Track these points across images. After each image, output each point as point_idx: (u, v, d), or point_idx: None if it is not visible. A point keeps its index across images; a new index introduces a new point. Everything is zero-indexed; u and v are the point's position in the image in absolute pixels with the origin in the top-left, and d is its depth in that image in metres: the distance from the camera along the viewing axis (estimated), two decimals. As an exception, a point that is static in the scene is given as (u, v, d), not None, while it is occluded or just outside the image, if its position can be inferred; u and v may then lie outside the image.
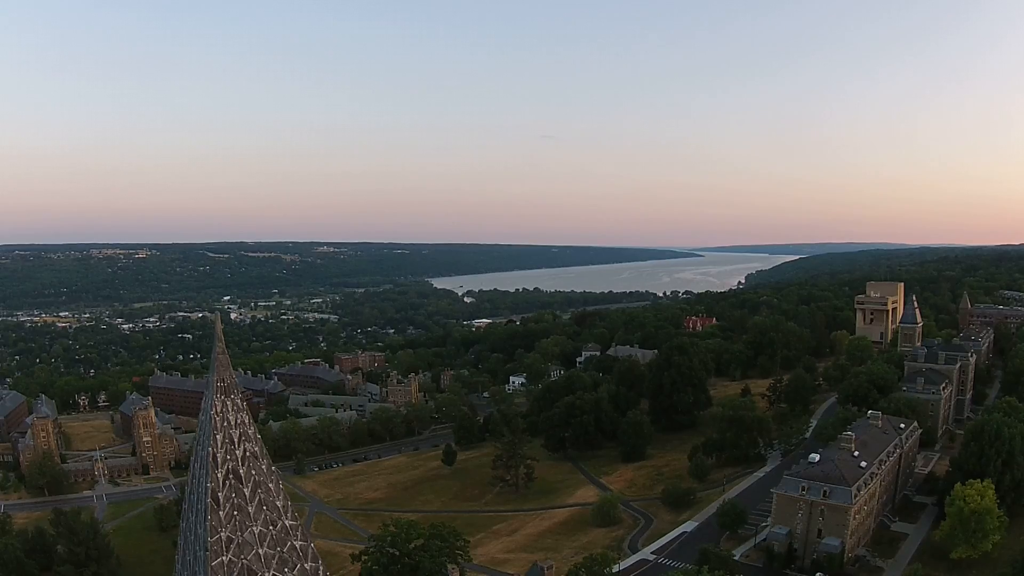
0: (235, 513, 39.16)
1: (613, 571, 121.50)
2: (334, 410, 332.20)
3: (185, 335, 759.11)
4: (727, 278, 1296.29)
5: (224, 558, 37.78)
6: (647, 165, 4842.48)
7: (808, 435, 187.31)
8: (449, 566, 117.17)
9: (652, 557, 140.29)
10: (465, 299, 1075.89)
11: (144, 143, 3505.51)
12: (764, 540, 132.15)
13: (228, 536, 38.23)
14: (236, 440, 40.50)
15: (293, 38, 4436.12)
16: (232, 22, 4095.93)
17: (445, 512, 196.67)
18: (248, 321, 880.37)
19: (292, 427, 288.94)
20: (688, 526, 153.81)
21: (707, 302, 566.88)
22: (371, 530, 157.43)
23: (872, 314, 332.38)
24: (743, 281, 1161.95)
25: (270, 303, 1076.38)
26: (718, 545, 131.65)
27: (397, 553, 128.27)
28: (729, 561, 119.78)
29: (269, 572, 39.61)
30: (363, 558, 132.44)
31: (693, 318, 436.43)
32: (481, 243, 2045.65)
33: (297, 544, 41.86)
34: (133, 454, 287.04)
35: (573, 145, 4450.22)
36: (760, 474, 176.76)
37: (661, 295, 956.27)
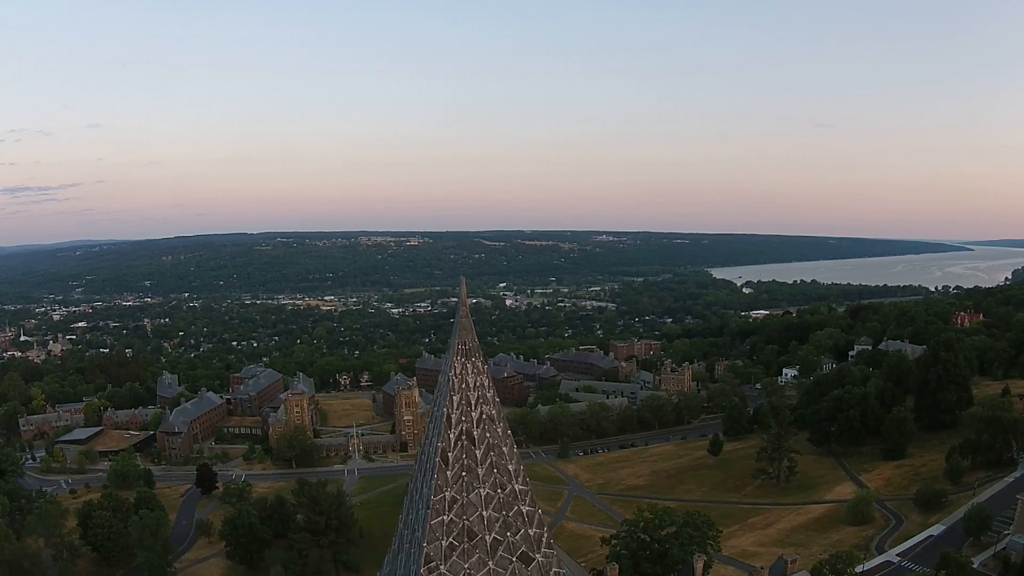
0: (463, 474, 40.59)
1: (857, 571, 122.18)
2: (605, 396, 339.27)
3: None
4: (995, 273, 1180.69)
5: (445, 517, 39.26)
6: (917, 154, 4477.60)
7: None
8: (696, 555, 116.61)
9: (896, 559, 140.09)
10: (744, 290, 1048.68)
11: (420, 137, 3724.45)
12: (1003, 549, 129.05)
13: (453, 496, 39.78)
14: (473, 402, 42.00)
15: (557, 30, 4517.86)
16: (515, 19, 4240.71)
17: (703, 502, 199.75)
18: (524, 308, 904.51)
19: (560, 411, 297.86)
20: (935, 529, 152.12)
21: (975, 297, 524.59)
22: (628, 516, 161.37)
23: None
24: (1009, 277, 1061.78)
25: (547, 290, 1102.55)
26: (960, 551, 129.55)
27: (648, 539, 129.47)
28: (967, 568, 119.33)
29: (491, 535, 40.57)
30: (612, 542, 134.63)
31: (961, 314, 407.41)
32: (760, 233, 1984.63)
33: (524, 509, 42.25)
34: (392, 432, 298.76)
35: (847, 134, 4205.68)
36: (1010, 479, 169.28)
37: (933, 289, 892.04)
